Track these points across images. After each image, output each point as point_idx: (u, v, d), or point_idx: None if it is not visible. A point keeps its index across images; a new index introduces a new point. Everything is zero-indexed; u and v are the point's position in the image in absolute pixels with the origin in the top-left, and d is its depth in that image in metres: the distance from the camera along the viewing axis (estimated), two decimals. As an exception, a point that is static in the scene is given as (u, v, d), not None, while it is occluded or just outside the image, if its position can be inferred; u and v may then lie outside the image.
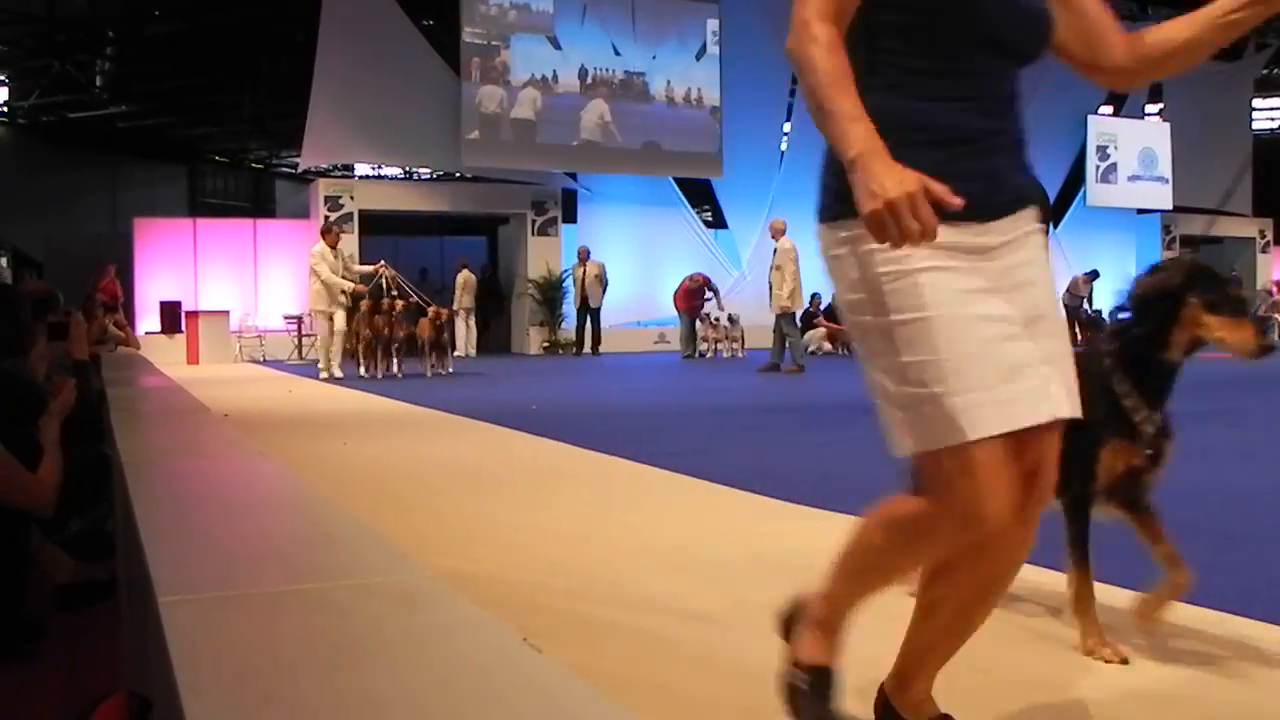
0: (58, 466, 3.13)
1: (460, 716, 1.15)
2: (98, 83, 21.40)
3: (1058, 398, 1.67)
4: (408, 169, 23.89)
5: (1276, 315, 23.38)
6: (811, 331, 18.97)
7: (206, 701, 1.17)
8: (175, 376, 9.68)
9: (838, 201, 1.68)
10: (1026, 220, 1.78)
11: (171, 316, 17.54)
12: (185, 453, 3.60)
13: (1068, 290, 21.54)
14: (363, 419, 8.03)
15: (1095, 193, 25.31)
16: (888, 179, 1.48)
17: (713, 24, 20.84)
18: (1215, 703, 2.09)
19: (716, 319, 18.09)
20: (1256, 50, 26.28)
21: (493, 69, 18.96)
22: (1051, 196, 23.82)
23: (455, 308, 17.25)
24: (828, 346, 19.53)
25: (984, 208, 1.67)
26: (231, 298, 18.43)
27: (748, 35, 20.94)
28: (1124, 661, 2.27)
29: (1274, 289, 25.32)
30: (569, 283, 19.66)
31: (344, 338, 12.55)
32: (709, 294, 18.13)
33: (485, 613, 1.52)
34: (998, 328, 1.65)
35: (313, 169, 20.08)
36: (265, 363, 17.01)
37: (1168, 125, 26.05)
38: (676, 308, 18.37)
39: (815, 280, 18.68)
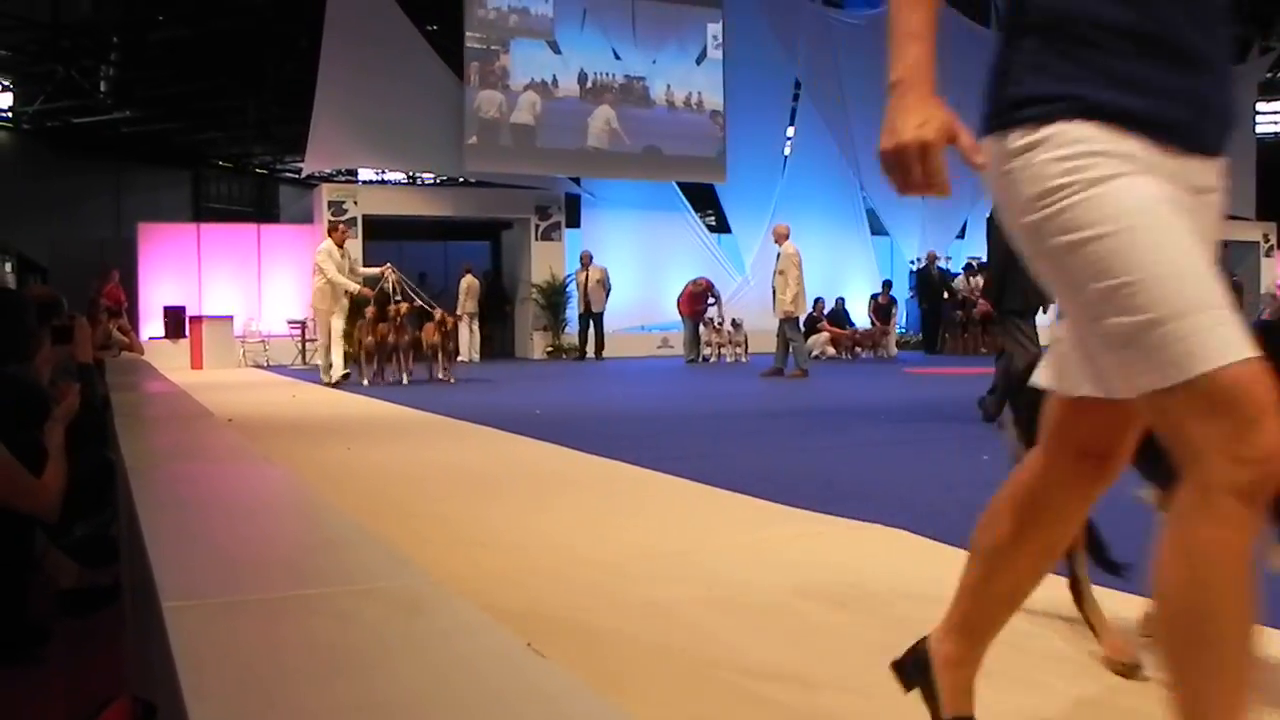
0: (62, 471, 3.13)
1: (464, 722, 1.15)
2: (102, 88, 21.43)
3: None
4: (411, 174, 23.91)
5: (1281, 319, 23.34)
6: (815, 336, 18.97)
7: (210, 707, 1.17)
8: (179, 381, 9.69)
9: (1006, 108, 1.47)
10: (1217, 173, 1.50)
11: (175, 321, 17.57)
12: (189, 457, 3.60)
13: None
14: (366, 424, 8.04)
15: (1098, 196, 25.28)
16: (910, 118, 1.34)
17: (713, 28, 20.84)
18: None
19: (720, 324, 18.09)
20: (1260, 54, 26.27)
21: (492, 73, 18.97)
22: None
23: (459, 312, 17.26)
24: (831, 351, 19.53)
25: (1187, 136, 1.43)
26: (235, 303, 18.46)
27: (751, 40, 20.99)
28: (1136, 668, 2.23)
29: (1278, 292, 25.29)
30: (572, 288, 19.68)
31: (342, 339, 12.38)
32: (711, 299, 18.14)
33: (489, 618, 1.52)
34: (1204, 253, 1.38)
35: (316, 174, 20.11)
36: (269, 368, 17.03)
37: (1171, 128, 26.02)
38: (680, 312, 18.38)
39: (818, 285, 18.71)
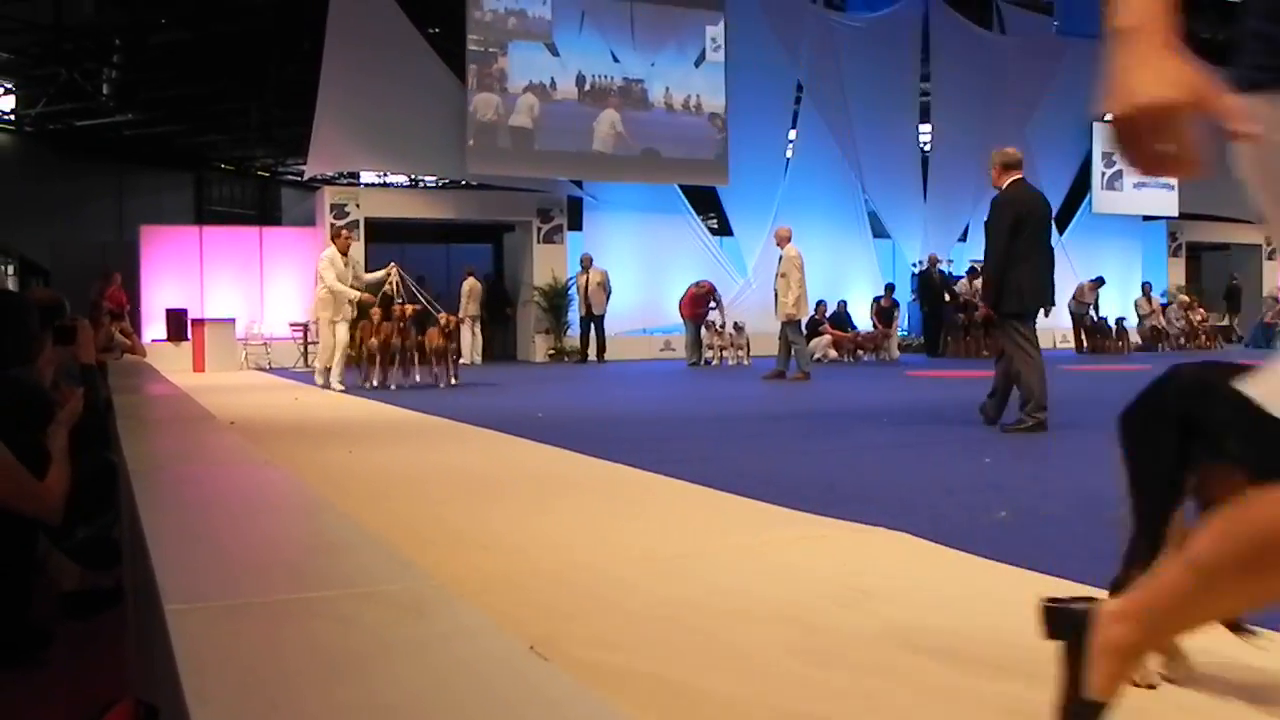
0: (65, 474, 3.14)
1: (466, 725, 1.15)
2: (104, 91, 21.46)
3: None
4: (413, 176, 23.94)
5: (1283, 322, 23.34)
6: (817, 339, 18.98)
7: (212, 709, 1.17)
8: (181, 384, 9.70)
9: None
10: None
11: (177, 324, 17.60)
12: (191, 460, 3.61)
13: (1074, 297, 21.53)
14: (368, 426, 8.04)
15: (1101, 200, 25.30)
16: (1146, 74, 1.07)
17: (711, 30, 20.84)
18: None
19: (722, 326, 18.09)
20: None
21: (489, 76, 18.98)
22: (1057, 203, 23.85)
23: (461, 315, 17.26)
24: (833, 354, 19.54)
25: None
26: (237, 305, 18.49)
27: (753, 43, 20.99)
28: (1150, 687, 2.19)
29: (1280, 295, 25.29)
30: (574, 290, 19.69)
31: (345, 348, 12.19)
32: (713, 303, 18.14)
33: (491, 621, 1.52)
34: None
35: (318, 177, 20.13)
36: (271, 370, 17.05)
37: (1174, 131, 26.03)
38: (681, 315, 18.38)
39: (820, 288, 18.72)
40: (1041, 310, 7.51)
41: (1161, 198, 25.82)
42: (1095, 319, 22.08)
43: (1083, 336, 21.75)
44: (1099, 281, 22.13)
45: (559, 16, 19.57)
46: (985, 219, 7.67)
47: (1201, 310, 24.34)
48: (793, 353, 13.48)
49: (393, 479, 5.19)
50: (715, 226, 22.67)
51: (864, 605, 2.79)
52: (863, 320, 21.26)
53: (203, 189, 27.98)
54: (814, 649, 2.44)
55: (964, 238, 23.52)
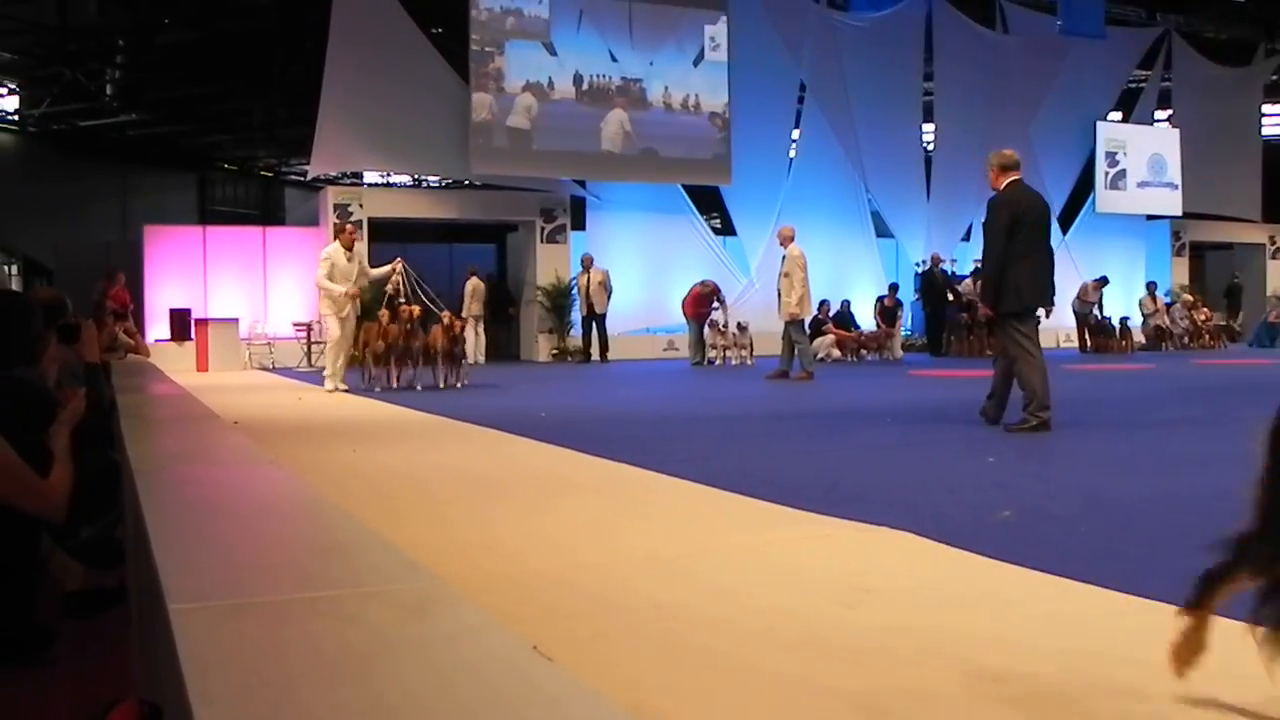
0: (68, 473, 3.14)
1: (469, 724, 1.15)
2: (108, 91, 21.51)
3: None
4: (416, 176, 23.97)
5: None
6: (820, 339, 18.98)
7: (216, 709, 1.17)
8: (185, 384, 9.71)
9: None
10: None
11: (181, 324, 17.63)
12: (195, 460, 3.61)
13: (1078, 297, 21.52)
14: (372, 426, 8.04)
15: (1104, 199, 25.27)
16: None
17: (710, 30, 20.82)
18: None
19: (725, 326, 18.09)
20: (1266, 56, 26.23)
21: (486, 75, 18.97)
22: (1061, 203, 23.84)
23: (464, 315, 17.24)
24: (836, 354, 19.53)
25: None
26: (241, 305, 18.52)
27: (756, 43, 20.98)
28: None
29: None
30: (575, 290, 19.70)
31: (348, 348, 11.90)
32: (716, 302, 18.13)
33: (494, 621, 1.52)
34: None
35: (322, 176, 20.16)
36: (275, 370, 17.06)
37: (1177, 131, 26.02)
38: (685, 314, 18.39)
39: (823, 287, 18.72)
40: (1042, 310, 7.51)
41: (1165, 197, 25.80)
42: (1099, 318, 22.06)
43: (1086, 336, 21.72)
44: (1103, 281, 22.11)
45: (556, 15, 19.56)
46: (983, 220, 7.68)
47: (1205, 310, 24.31)
48: (796, 352, 13.47)
49: (397, 478, 5.19)
50: (718, 226, 22.68)
51: (867, 605, 2.79)
52: (866, 320, 21.25)
53: (206, 189, 28.04)
54: (817, 648, 2.44)
55: (967, 237, 23.51)
